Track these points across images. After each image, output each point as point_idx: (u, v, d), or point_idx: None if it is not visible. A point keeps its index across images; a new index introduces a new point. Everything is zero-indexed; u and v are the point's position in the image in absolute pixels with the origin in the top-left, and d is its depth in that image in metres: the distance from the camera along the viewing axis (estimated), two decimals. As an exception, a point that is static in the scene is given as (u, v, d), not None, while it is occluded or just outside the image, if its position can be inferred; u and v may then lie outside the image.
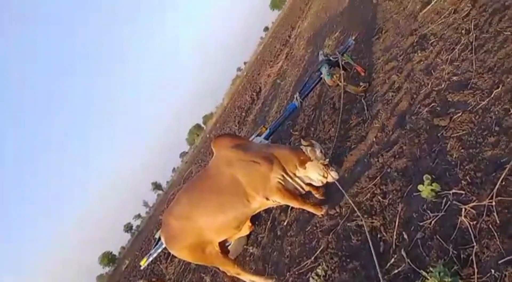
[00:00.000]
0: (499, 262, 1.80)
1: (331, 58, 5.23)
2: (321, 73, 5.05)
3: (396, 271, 2.37)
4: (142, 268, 6.61)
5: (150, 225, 28.69)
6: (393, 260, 2.45)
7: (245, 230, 3.84)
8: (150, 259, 6.32)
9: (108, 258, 79.29)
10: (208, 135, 33.35)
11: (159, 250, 6.29)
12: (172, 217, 3.61)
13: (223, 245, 3.82)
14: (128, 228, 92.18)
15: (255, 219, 5.11)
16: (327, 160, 3.66)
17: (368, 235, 2.65)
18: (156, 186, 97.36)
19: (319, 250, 3.39)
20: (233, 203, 3.49)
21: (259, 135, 5.40)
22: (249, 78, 27.99)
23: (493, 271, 1.80)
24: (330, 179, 3.64)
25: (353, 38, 5.68)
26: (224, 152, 3.65)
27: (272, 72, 16.84)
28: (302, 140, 3.60)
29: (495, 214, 1.97)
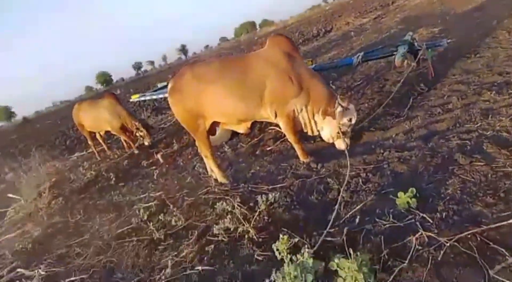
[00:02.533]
0: (413, 285, 1.93)
1: (415, 44, 4.94)
2: (396, 51, 4.80)
3: (328, 238, 2.52)
4: (130, 101, 6.84)
5: (156, 77, 29.05)
6: (333, 229, 2.59)
7: (242, 128, 3.93)
8: (142, 98, 6.55)
9: (105, 78, 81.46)
10: (255, 38, 32.37)
11: (154, 97, 6.49)
12: (193, 74, 3.62)
13: (213, 127, 3.92)
14: (137, 66, 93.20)
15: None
16: (349, 129, 3.67)
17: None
18: (183, 49, 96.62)
19: (280, 185, 3.54)
20: (250, 98, 3.53)
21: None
22: (328, 14, 26.41)
23: (403, 288, 1.94)
24: (337, 145, 3.69)
25: (448, 41, 5.29)
26: (274, 52, 3.58)
27: (353, 22, 15.87)
28: (341, 96, 3.52)
29: (441, 252, 2.05)
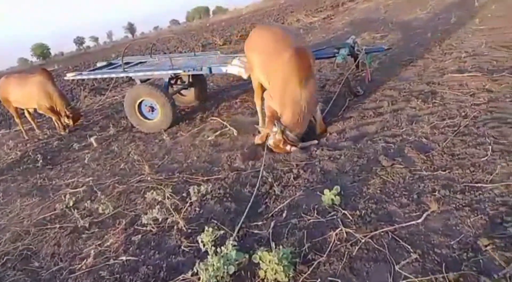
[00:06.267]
0: (328, 278, 2.04)
1: (356, 48, 5.15)
2: (338, 52, 4.98)
3: (255, 231, 2.58)
4: (66, 78, 6.40)
5: (99, 54, 27.51)
6: (260, 222, 2.66)
7: None
8: (78, 77, 6.17)
9: (42, 51, 75.35)
10: (207, 25, 31.81)
11: (91, 76, 6.15)
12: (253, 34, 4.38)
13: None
14: (78, 41, 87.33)
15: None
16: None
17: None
18: (131, 28, 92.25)
19: (216, 176, 3.55)
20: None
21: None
22: (281, 9, 26.67)
23: (319, 280, 2.04)
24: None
25: (386, 48, 5.61)
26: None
27: (303, 20, 16.18)
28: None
29: (357, 247, 2.19)
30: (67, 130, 6.49)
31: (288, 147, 3.64)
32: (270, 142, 3.71)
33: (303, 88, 3.56)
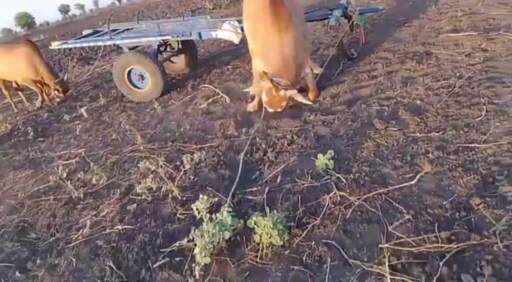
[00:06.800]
0: (322, 240, 2.07)
1: (349, 9, 4.99)
2: (331, 14, 4.82)
3: (250, 197, 2.59)
4: (51, 47, 6.18)
5: (85, 24, 26.63)
6: (255, 188, 2.67)
7: None
8: (64, 46, 5.97)
9: (26, 20, 72.66)
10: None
11: (77, 45, 5.96)
12: None
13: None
14: (64, 9, 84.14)
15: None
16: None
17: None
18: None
19: (209, 144, 3.52)
20: None
21: (238, 21, 5.11)
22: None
23: (313, 243, 2.07)
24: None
25: (381, 8, 5.45)
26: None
27: (295, -19, 15.61)
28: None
29: (351, 209, 2.21)
30: (55, 102, 6.36)
31: (282, 92, 3.47)
32: (264, 97, 3.57)
33: (284, 35, 3.49)
